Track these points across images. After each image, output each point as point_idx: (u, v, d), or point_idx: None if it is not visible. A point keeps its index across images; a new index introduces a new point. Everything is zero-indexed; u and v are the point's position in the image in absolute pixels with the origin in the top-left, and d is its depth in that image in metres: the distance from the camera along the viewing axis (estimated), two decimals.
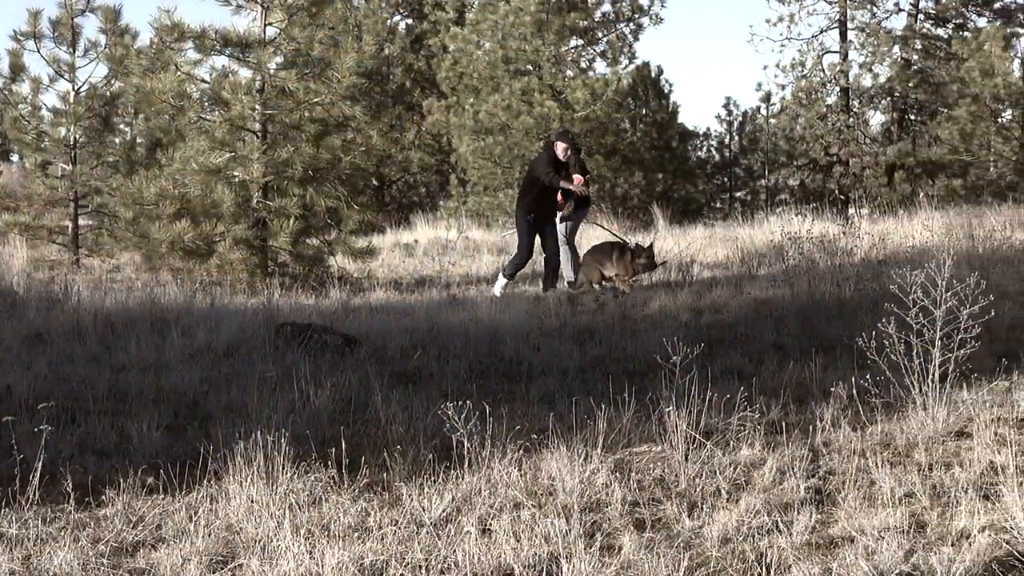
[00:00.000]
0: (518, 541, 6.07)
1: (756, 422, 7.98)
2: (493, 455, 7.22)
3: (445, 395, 9.03)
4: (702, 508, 6.63)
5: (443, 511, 6.55)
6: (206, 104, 19.39)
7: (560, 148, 17.13)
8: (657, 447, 7.80)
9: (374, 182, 37.96)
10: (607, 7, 36.53)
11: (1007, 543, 5.88)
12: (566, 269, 17.65)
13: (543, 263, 17.60)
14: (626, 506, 6.71)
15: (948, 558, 5.66)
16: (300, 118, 19.10)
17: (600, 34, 36.64)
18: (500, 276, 17.28)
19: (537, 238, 17.28)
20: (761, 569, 5.69)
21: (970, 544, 5.86)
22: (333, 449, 7.25)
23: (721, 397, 8.09)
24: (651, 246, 16.76)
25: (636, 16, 36.70)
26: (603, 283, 16.71)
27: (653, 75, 42.25)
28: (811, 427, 8.12)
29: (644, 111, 40.63)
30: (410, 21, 43.26)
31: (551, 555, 5.88)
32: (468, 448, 7.14)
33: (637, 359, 10.87)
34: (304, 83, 18.85)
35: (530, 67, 33.97)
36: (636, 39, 36.96)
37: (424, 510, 6.53)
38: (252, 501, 6.66)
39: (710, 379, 8.39)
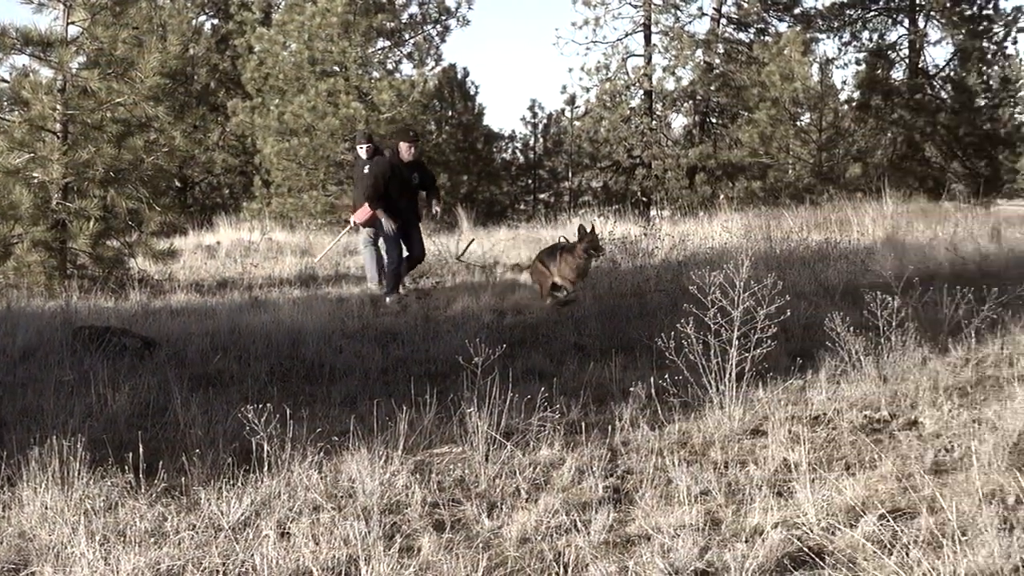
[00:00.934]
0: (317, 544, 6.02)
1: (556, 422, 8.02)
2: (293, 458, 7.15)
3: (246, 398, 8.95)
4: (501, 508, 6.64)
5: (242, 515, 6.46)
6: (5, 104, 18.92)
7: (404, 148, 16.58)
8: (458, 448, 7.81)
9: (177, 183, 37.49)
10: (414, 9, 36.65)
11: (798, 539, 6.00)
12: (370, 272, 17.55)
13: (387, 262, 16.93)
14: (426, 507, 6.69)
15: (742, 554, 5.75)
16: (102, 118, 18.76)
17: (407, 36, 36.71)
18: (386, 284, 16.89)
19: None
20: (559, 568, 5.72)
21: (763, 540, 5.96)
22: (130, 454, 7.08)
23: (522, 398, 8.13)
24: (592, 229, 15.53)
25: (443, 18, 36.85)
26: (555, 291, 15.46)
27: (459, 77, 42.51)
28: (610, 427, 8.18)
29: (450, 113, 40.86)
30: (216, 21, 42.91)
31: (350, 557, 5.84)
32: (268, 451, 7.07)
33: (439, 360, 10.88)
34: (107, 83, 18.51)
35: (336, 68, 33.87)
36: (443, 41, 37.21)
37: (223, 514, 6.44)
38: (46, 507, 6.50)
39: (511, 380, 8.43)
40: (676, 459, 7.35)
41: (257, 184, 36.57)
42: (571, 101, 44.98)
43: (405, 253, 16.41)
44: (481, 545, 6.08)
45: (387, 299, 16.14)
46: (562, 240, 15.73)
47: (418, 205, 17.16)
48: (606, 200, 41.21)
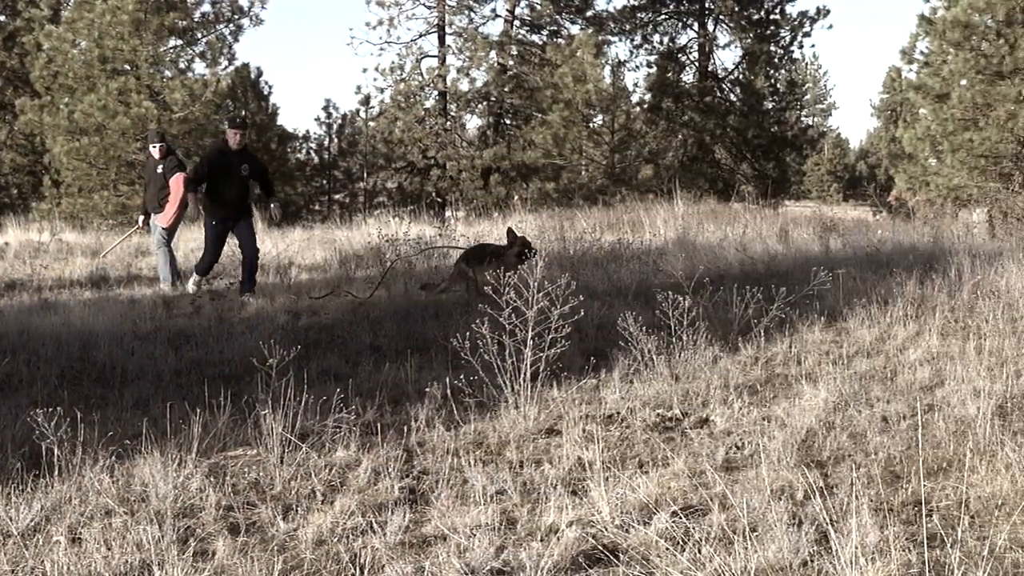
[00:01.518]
0: (109, 549, 5.90)
1: (352, 424, 7.98)
2: (84, 462, 7.00)
3: (35, 402, 8.74)
4: (297, 511, 6.58)
5: (31, 521, 6.30)
6: None
7: (231, 135, 16.07)
8: (252, 450, 7.72)
9: None
10: (207, 7, 36.05)
11: (593, 537, 6.05)
12: (163, 272, 17.27)
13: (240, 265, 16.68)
14: (220, 510, 6.60)
15: (537, 553, 5.79)
16: None
17: (200, 35, 36.11)
18: (194, 274, 16.62)
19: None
20: (355, 570, 5.69)
21: (558, 539, 6.01)
22: None
23: (317, 399, 8.06)
24: (523, 237, 15.06)
25: (236, 17, 36.34)
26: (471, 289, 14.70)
27: (253, 77, 42.11)
28: (406, 427, 8.18)
29: (244, 113, 40.35)
30: (3, 18, 41.77)
31: (143, 562, 5.74)
32: (58, 456, 6.91)
33: (234, 362, 10.74)
34: None
35: (127, 67, 33.25)
36: (236, 40, 36.66)
37: (11, 520, 6.27)
38: None
39: (307, 381, 8.34)
40: (472, 459, 7.36)
41: (47, 184, 35.77)
42: (366, 101, 44.79)
43: (238, 254, 16.19)
44: (276, 548, 6.02)
45: (190, 281, 15.97)
46: (490, 244, 15.34)
47: (248, 198, 16.73)
48: (401, 201, 41.23)
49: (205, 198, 16.34)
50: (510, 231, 15.05)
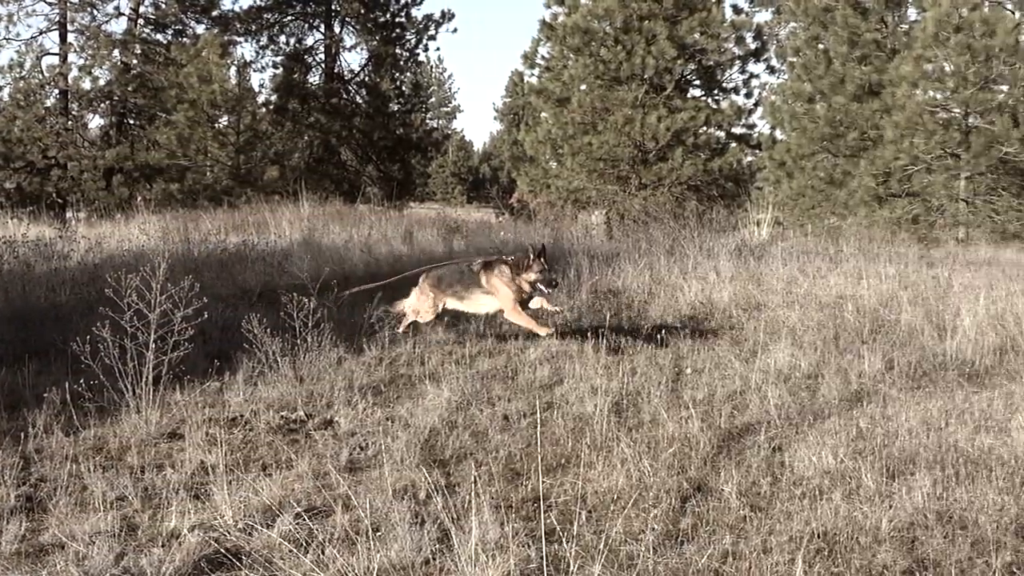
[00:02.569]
0: None
1: None
2: None
3: None
4: None
5: None
6: None
7: None
8: None
9: None
10: None
11: (216, 540, 6.03)
12: None
13: None
14: None
15: (158, 559, 5.73)
16: None
17: None
18: None
19: None
20: None
21: (180, 543, 5.97)
22: None
23: None
24: (543, 249, 11.70)
25: None
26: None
27: None
28: (23, 434, 7.94)
29: None
30: None
31: None
32: None
33: None
34: None
35: None
36: None
37: None
38: None
39: None
40: (92, 465, 7.23)
41: None
42: None
43: None
44: None
45: None
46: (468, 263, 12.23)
47: None
48: (20, 202, 39.83)
49: None
50: (530, 249, 11.52)
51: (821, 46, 37.11)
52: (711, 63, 33.57)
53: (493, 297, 11.49)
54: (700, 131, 32.38)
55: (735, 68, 33.96)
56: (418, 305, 11.90)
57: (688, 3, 32.03)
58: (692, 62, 33.14)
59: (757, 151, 36.36)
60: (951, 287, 15.16)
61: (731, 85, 34.22)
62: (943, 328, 12.39)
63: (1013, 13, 34.10)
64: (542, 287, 11.30)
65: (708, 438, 8.08)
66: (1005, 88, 31.97)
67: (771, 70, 37.26)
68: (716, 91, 34.30)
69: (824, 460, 7.57)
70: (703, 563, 5.98)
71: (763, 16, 44.43)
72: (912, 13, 37.57)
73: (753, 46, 33.74)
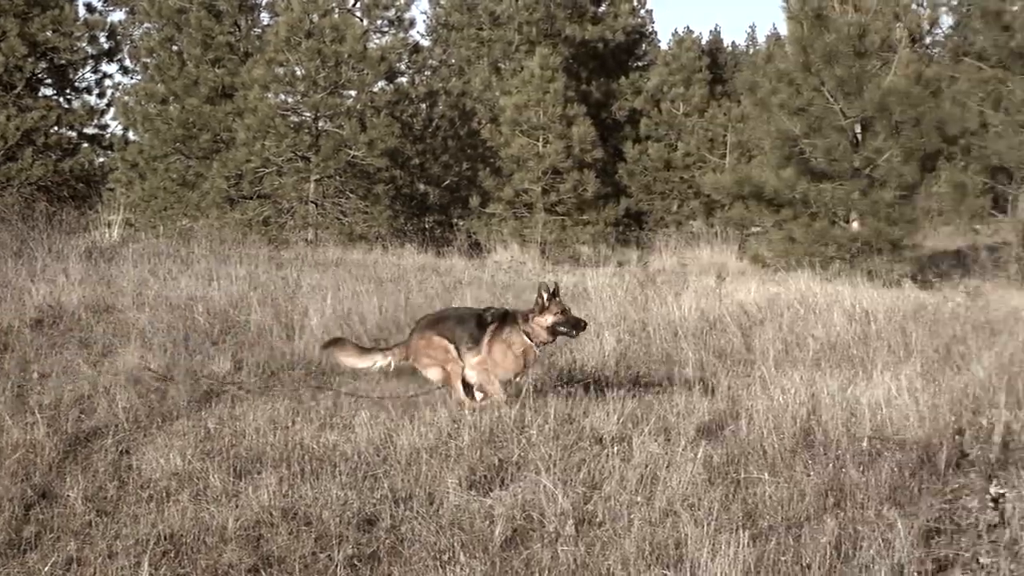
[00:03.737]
0: None
1: None
2: None
3: None
4: None
5: None
6: None
7: None
8: None
9: None
10: None
11: None
12: None
13: None
14: None
15: None
16: None
17: None
18: None
19: None
20: None
21: None
22: None
23: None
24: (556, 291, 10.06)
25: None
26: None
27: None
28: None
29: None
30: None
31: None
32: None
33: None
34: None
35: None
36: None
37: None
38: None
39: None
40: None
41: None
42: None
43: None
44: None
45: None
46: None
47: None
48: None
49: None
50: (543, 287, 9.96)
51: (175, 48, 37.05)
52: (63, 62, 32.98)
53: None
54: (51, 131, 31.75)
55: (88, 68, 33.58)
56: None
57: (40, 0, 31.31)
58: (44, 60, 32.44)
59: (110, 152, 36.01)
60: (300, 287, 15.61)
61: (84, 85, 33.87)
62: (292, 328, 12.77)
63: (361, 20, 35.44)
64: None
65: (54, 444, 7.98)
66: (353, 93, 33.26)
67: (125, 71, 37.24)
68: (68, 90, 33.77)
69: (172, 462, 7.67)
70: (46, 571, 5.93)
71: (117, 16, 43.81)
72: (266, 17, 38.36)
73: (107, 45, 33.47)
